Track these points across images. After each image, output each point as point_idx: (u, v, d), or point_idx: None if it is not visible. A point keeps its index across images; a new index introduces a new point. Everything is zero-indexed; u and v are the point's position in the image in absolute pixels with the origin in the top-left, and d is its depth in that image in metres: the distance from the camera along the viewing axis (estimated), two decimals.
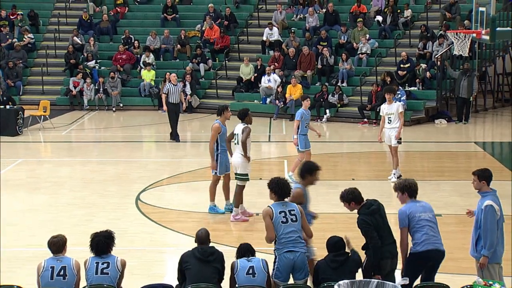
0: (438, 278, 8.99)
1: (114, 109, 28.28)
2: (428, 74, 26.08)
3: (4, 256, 11.55)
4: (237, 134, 13.60)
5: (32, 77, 30.09)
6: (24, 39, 30.74)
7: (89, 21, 31.57)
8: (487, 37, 15.63)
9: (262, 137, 22.56)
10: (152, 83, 28.60)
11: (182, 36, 30.28)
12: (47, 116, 24.73)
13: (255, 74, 27.87)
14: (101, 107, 28.42)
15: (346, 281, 7.77)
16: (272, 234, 8.73)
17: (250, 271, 8.43)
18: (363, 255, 8.78)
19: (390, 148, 16.90)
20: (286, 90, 26.41)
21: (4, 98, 24.78)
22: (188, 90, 27.54)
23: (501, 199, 9.07)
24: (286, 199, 8.94)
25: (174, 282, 8.71)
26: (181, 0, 33.02)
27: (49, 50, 30.71)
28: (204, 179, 16.54)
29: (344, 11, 30.32)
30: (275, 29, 29.41)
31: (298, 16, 30.83)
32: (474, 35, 16.74)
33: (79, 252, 8.91)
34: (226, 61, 29.28)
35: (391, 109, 16.53)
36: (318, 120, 25.19)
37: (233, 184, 14.23)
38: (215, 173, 13.95)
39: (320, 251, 8.87)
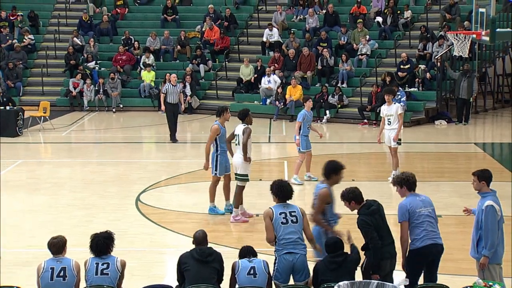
0: (438, 279, 8.99)
1: (114, 110, 28.28)
2: (428, 75, 26.09)
3: (4, 257, 11.55)
4: (238, 135, 13.59)
5: (32, 78, 30.09)
6: (24, 40, 30.75)
7: (89, 22, 31.58)
8: (487, 38, 15.64)
9: (262, 138, 22.56)
10: (152, 84, 28.61)
11: (182, 37, 30.29)
12: (47, 117, 24.74)
13: (255, 75, 27.88)
14: (101, 108, 28.42)
15: (346, 282, 7.78)
16: (272, 234, 8.74)
17: (251, 272, 8.44)
18: (362, 256, 8.79)
19: (390, 149, 16.91)
20: (286, 91, 26.41)
21: (4, 99, 24.76)
22: (188, 91, 27.55)
23: (501, 200, 9.07)
24: (288, 201, 8.94)
25: (174, 283, 8.72)
26: (181, 1, 33.03)
27: (49, 51, 30.72)
28: (204, 180, 16.53)
29: (344, 12, 30.33)
30: (275, 30, 29.41)
31: (298, 17, 30.84)
32: (474, 36, 16.76)
33: (79, 253, 8.90)
34: (226, 62, 29.28)
35: (391, 111, 16.52)
36: (318, 121, 25.18)
37: (233, 184, 14.23)
38: (215, 174, 13.95)
39: None
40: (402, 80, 25.76)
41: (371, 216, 8.63)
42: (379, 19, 29.47)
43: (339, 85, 26.57)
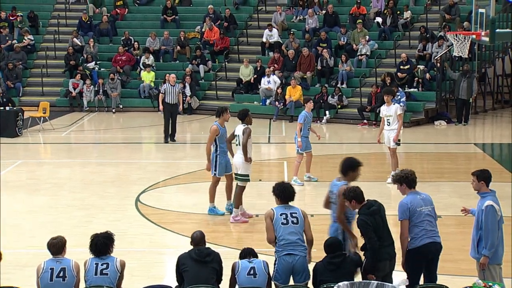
0: (438, 279, 8.99)
1: (113, 110, 28.28)
2: (427, 75, 26.09)
3: (4, 257, 11.51)
4: (238, 136, 13.58)
5: (31, 79, 30.09)
6: (23, 40, 30.75)
7: (88, 22, 31.57)
8: (487, 39, 15.65)
9: (262, 138, 22.56)
10: (152, 84, 28.60)
11: (182, 37, 30.29)
12: (46, 118, 24.74)
13: (255, 76, 27.88)
14: (100, 109, 28.42)
15: (345, 282, 7.77)
16: (272, 235, 8.75)
17: (251, 272, 8.45)
18: (362, 257, 8.79)
19: (389, 150, 16.90)
20: (285, 92, 26.41)
21: (4, 100, 24.77)
22: (187, 91, 27.55)
23: (500, 200, 9.07)
24: (290, 203, 8.93)
25: (174, 283, 8.72)
26: (180, 2, 33.02)
27: (49, 51, 30.72)
28: (204, 181, 16.52)
29: (344, 13, 30.33)
30: (274, 30, 29.41)
31: (298, 18, 30.84)
32: (474, 36, 16.76)
33: (79, 253, 8.90)
34: (226, 63, 29.29)
35: (390, 111, 16.52)
36: (318, 121, 25.18)
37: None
38: (214, 174, 13.95)
39: (319, 253, 8.86)
40: (401, 80, 25.76)
41: (371, 216, 8.62)
42: (379, 19, 29.48)
43: (338, 85, 26.57)
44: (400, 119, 16.56)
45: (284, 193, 8.94)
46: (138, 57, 29.81)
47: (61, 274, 8.22)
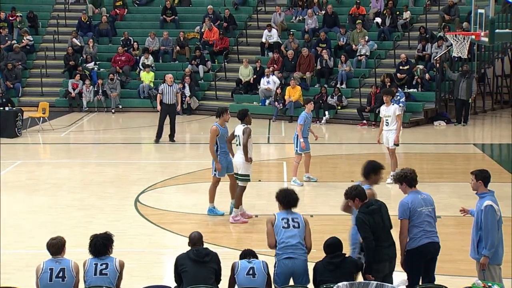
0: (437, 280, 8.99)
1: (113, 110, 28.28)
2: (427, 76, 26.10)
3: (4, 257, 11.54)
4: (238, 136, 13.57)
5: (31, 79, 30.09)
6: (23, 40, 30.74)
7: (88, 22, 31.57)
8: (486, 39, 15.67)
9: (261, 138, 22.56)
10: (151, 84, 28.60)
11: (181, 37, 30.29)
12: (46, 118, 24.73)
13: (254, 76, 27.88)
14: (100, 109, 28.42)
15: (345, 282, 7.78)
16: (273, 240, 8.74)
17: (251, 272, 8.45)
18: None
19: (388, 150, 16.90)
20: (285, 92, 26.42)
21: (3, 100, 24.77)
22: (187, 91, 27.56)
23: (500, 201, 9.08)
24: (292, 209, 8.91)
25: (173, 283, 8.72)
26: (180, 2, 33.03)
27: (48, 51, 30.72)
28: (203, 181, 16.54)
29: (343, 13, 30.33)
30: (274, 31, 29.42)
31: (297, 18, 30.84)
32: (473, 37, 16.78)
33: (78, 253, 8.90)
34: (225, 63, 29.30)
35: (389, 111, 16.52)
36: (317, 122, 25.18)
37: None
38: (214, 174, 13.95)
39: (319, 253, 8.86)
40: (401, 81, 25.77)
41: (369, 215, 8.60)
42: (378, 20, 29.50)
43: (338, 86, 26.58)
44: (399, 120, 16.55)
45: (287, 199, 8.93)
46: (138, 58, 29.82)
47: (60, 275, 8.22)
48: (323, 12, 30.21)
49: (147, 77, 28.73)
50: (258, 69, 27.99)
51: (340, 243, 8.74)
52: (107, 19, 31.72)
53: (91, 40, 30.36)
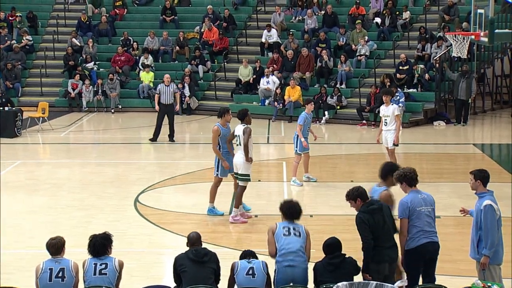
0: (437, 280, 8.99)
1: (112, 110, 28.28)
2: (426, 76, 26.10)
3: (4, 257, 11.55)
4: (238, 136, 13.56)
5: (30, 79, 30.09)
6: (22, 40, 30.74)
7: (87, 22, 31.56)
8: (486, 39, 15.68)
9: (261, 139, 22.55)
10: (151, 84, 28.58)
11: (181, 37, 30.29)
12: (45, 118, 24.73)
13: (254, 76, 27.88)
14: (99, 109, 28.42)
15: (344, 282, 7.77)
16: (273, 248, 8.70)
17: (250, 272, 8.45)
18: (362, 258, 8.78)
19: (387, 150, 16.90)
20: (284, 92, 26.42)
21: (3, 100, 24.76)
22: (186, 91, 27.56)
23: (500, 201, 9.09)
24: (295, 221, 8.88)
25: (173, 284, 8.72)
26: (179, 2, 33.03)
27: (48, 51, 30.72)
28: (203, 181, 16.55)
29: (343, 13, 30.33)
30: (273, 31, 29.42)
31: (297, 18, 30.84)
32: (473, 37, 16.79)
33: (78, 254, 8.90)
34: (225, 63, 29.29)
35: (388, 111, 16.52)
36: (317, 122, 25.18)
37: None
38: (216, 174, 13.95)
39: (318, 253, 8.86)
40: (400, 81, 25.77)
41: (369, 214, 8.60)
42: (378, 20, 29.51)
43: (337, 86, 26.57)
44: (398, 120, 16.54)
45: (290, 210, 8.89)
46: (137, 58, 29.82)
47: (60, 275, 8.22)
48: (323, 12, 30.21)
49: (146, 77, 28.73)
50: (257, 69, 27.99)
51: (340, 243, 8.73)
52: (107, 19, 31.72)
53: (90, 40, 30.36)
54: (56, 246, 8.39)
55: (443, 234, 9.38)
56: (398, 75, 25.90)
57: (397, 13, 29.42)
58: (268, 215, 14.04)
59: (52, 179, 17.44)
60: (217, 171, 13.91)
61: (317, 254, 8.88)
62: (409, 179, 9.00)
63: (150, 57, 29.48)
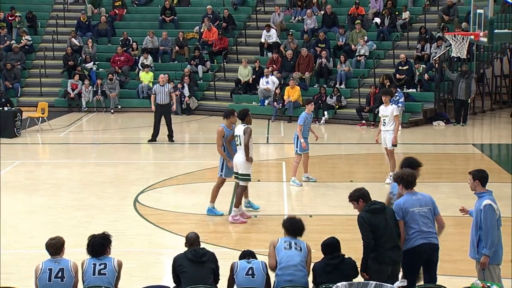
0: (437, 280, 9.00)
1: (112, 110, 28.27)
2: (426, 76, 26.11)
3: (4, 257, 11.55)
4: (239, 136, 13.56)
5: (30, 79, 30.09)
6: (22, 40, 30.73)
7: (87, 23, 31.56)
8: (485, 39, 15.67)
9: (260, 139, 22.54)
10: (150, 85, 28.51)
11: (180, 38, 30.29)
12: (45, 118, 24.73)
13: (253, 76, 27.88)
14: (99, 109, 28.42)
15: (344, 283, 7.76)
16: (273, 261, 8.63)
17: (250, 272, 8.45)
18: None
19: (386, 150, 16.87)
20: (284, 92, 26.43)
21: (2, 100, 24.77)
22: (186, 91, 27.56)
23: (500, 201, 9.09)
24: (298, 237, 8.82)
25: (172, 284, 8.72)
26: (179, 2, 33.03)
27: (47, 52, 30.71)
28: (203, 181, 16.56)
29: (342, 13, 30.34)
30: (273, 31, 29.42)
31: (296, 18, 30.85)
32: (472, 37, 16.78)
33: (78, 254, 8.90)
34: (224, 63, 29.30)
35: (386, 111, 16.50)
36: (317, 122, 25.17)
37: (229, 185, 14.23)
38: (220, 175, 13.95)
39: (318, 253, 8.86)
40: (400, 81, 25.78)
41: (371, 214, 8.61)
42: (377, 20, 29.51)
43: (337, 86, 26.58)
44: (397, 120, 16.51)
45: (293, 227, 8.80)
46: (137, 58, 29.82)
47: (59, 275, 8.22)
48: (322, 12, 30.22)
49: (146, 77, 28.73)
50: (257, 69, 27.99)
51: (338, 243, 8.72)
52: (106, 19, 31.72)
53: (90, 40, 30.36)
54: (55, 246, 8.39)
55: (443, 234, 9.37)
56: (397, 75, 25.91)
57: (397, 13, 29.43)
58: (267, 215, 14.07)
59: (52, 179, 17.44)
60: (221, 171, 13.91)
61: (317, 254, 8.89)
62: (406, 182, 9.00)
63: (150, 57, 29.49)
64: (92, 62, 29.80)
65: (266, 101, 26.92)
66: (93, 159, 20.30)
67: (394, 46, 27.79)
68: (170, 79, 25.80)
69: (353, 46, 28.18)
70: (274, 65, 27.83)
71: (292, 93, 26.12)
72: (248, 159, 13.48)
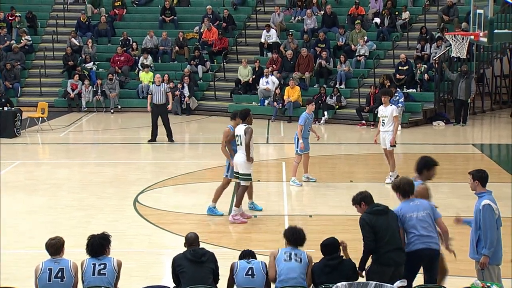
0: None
1: (112, 111, 28.27)
2: (426, 76, 26.11)
3: (4, 257, 11.55)
4: (240, 136, 13.56)
5: (30, 79, 30.09)
6: (21, 40, 30.73)
7: (87, 23, 31.56)
8: (485, 39, 15.66)
9: (260, 139, 22.53)
10: (150, 85, 28.56)
11: (180, 38, 30.29)
12: (45, 118, 24.73)
13: (253, 76, 27.87)
14: (99, 109, 28.42)
15: (344, 283, 7.76)
16: (273, 272, 8.57)
17: (249, 272, 8.44)
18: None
19: (384, 151, 16.85)
20: (284, 92, 26.42)
21: (2, 100, 24.77)
22: (186, 92, 27.56)
23: (499, 201, 9.08)
24: (299, 247, 8.79)
25: (172, 284, 8.72)
26: (179, 2, 33.03)
27: (47, 52, 30.71)
28: (202, 181, 16.56)
29: (342, 13, 30.34)
30: (273, 31, 29.42)
31: (296, 18, 30.85)
32: (472, 37, 16.78)
33: (78, 254, 8.90)
34: (224, 63, 29.29)
35: (386, 112, 16.50)
36: (316, 122, 25.16)
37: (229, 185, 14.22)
38: (226, 176, 13.94)
39: (317, 253, 8.86)
40: (400, 82, 25.78)
41: (373, 215, 8.60)
42: (377, 20, 29.51)
43: (337, 86, 26.58)
44: (396, 121, 16.50)
45: (294, 237, 8.74)
46: (137, 58, 29.82)
47: (59, 275, 8.22)
48: (322, 12, 30.22)
49: (146, 77, 28.71)
50: (257, 69, 27.99)
51: (338, 243, 8.70)
52: (106, 19, 31.71)
53: (90, 40, 30.36)
54: (55, 246, 8.39)
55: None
56: (397, 75, 25.90)
57: (397, 13, 29.43)
58: (267, 215, 14.07)
59: (52, 179, 17.44)
60: (227, 172, 13.91)
61: (316, 254, 8.88)
62: (403, 191, 8.98)
63: (150, 57, 29.48)
64: (92, 62, 29.80)
65: (266, 101, 26.92)
66: (93, 159, 20.30)
67: (394, 46, 27.79)
68: (170, 79, 25.85)
69: (353, 46, 28.18)
70: (274, 65, 27.83)
71: (292, 93, 26.12)
72: (249, 159, 13.48)
